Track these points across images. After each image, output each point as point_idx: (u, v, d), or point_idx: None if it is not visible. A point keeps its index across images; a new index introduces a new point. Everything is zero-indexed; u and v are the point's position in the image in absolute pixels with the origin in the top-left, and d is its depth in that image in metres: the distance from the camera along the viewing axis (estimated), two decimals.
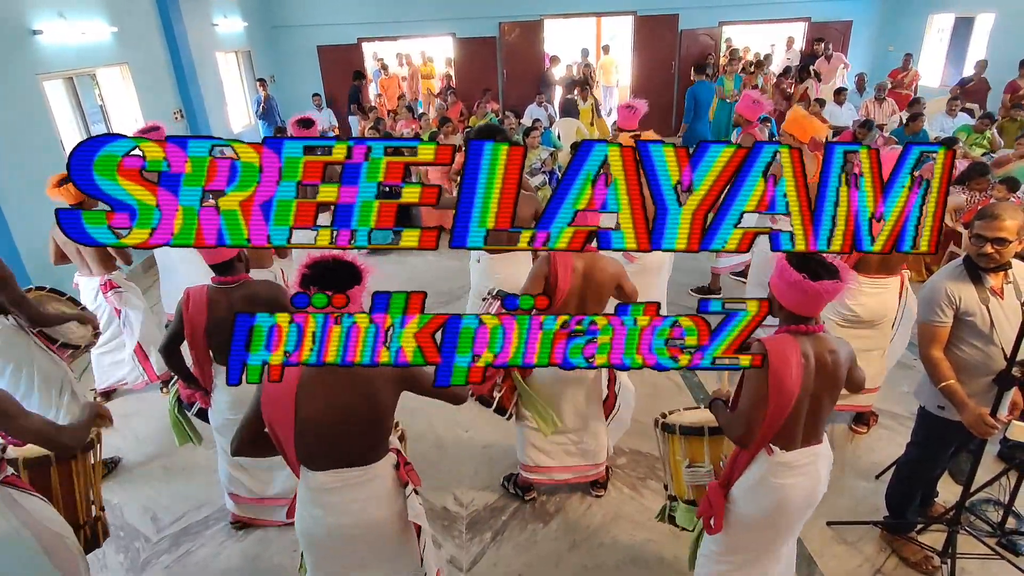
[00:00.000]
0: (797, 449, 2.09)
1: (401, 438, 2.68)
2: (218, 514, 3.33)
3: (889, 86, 8.91)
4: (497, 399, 3.09)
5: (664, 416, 2.64)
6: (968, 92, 8.59)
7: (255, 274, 3.81)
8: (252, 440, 2.02)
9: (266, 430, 1.97)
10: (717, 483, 2.24)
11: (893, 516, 2.95)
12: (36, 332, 3.32)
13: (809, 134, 4.04)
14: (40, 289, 3.62)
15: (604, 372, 3.09)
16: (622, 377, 3.06)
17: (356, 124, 9.93)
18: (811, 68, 10.05)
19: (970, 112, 7.81)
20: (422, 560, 2.21)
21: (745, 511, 2.17)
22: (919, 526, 2.92)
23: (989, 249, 2.35)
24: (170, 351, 2.82)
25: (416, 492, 2.15)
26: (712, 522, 2.24)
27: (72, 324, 3.47)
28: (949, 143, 5.92)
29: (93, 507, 2.55)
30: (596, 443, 3.22)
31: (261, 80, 9.51)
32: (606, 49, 12.68)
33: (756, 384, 1.98)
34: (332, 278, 1.78)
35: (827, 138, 7.81)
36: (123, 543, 3.22)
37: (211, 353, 2.83)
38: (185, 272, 4.62)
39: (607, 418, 3.22)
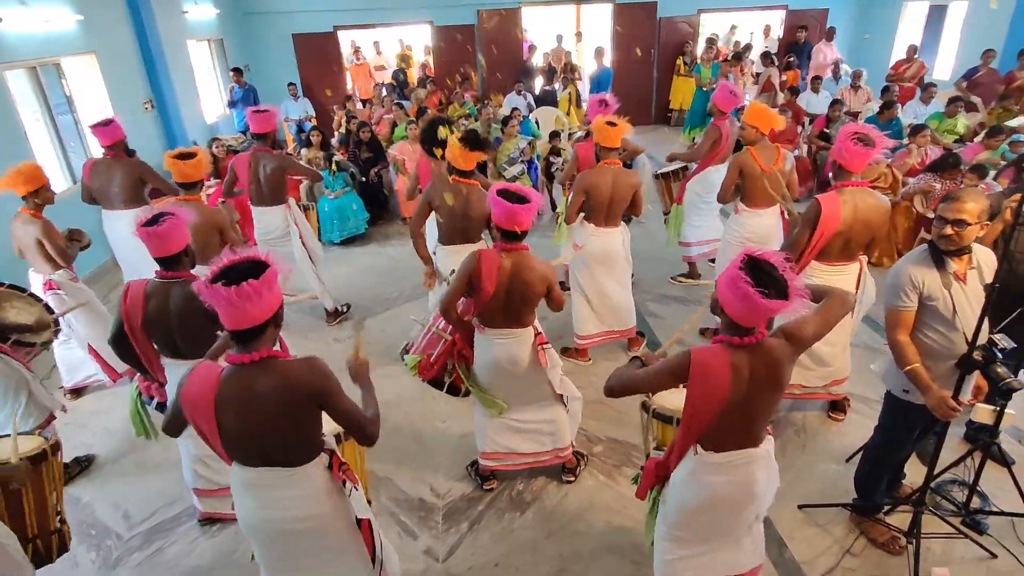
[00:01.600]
0: (727, 451, 2.08)
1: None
2: (190, 510, 3.30)
3: (889, 78, 8.87)
4: (448, 382, 3.20)
5: (649, 396, 2.68)
6: (973, 84, 8.15)
7: (204, 272, 3.75)
8: (179, 427, 2.07)
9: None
10: (656, 461, 2.29)
11: (862, 498, 3.00)
12: None
13: (768, 125, 4.10)
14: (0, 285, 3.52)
15: (545, 372, 3.09)
16: (552, 377, 3.09)
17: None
18: (772, 55, 10.07)
19: (973, 107, 7.56)
20: (374, 557, 2.20)
21: (679, 499, 2.21)
22: (886, 507, 2.98)
23: (949, 231, 2.39)
24: (117, 341, 2.79)
25: (355, 490, 2.12)
26: (639, 488, 2.39)
27: (16, 311, 3.36)
28: (916, 130, 6.03)
29: (50, 520, 2.48)
30: (553, 428, 3.24)
31: (236, 70, 9.32)
32: (578, 36, 12.61)
33: (664, 378, 2.07)
34: (235, 274, 1.77)
35: (803, 124, 7.92)
36: (94, 541, 3.18)
37: (155, 345, 2.80)
38: (141, 271, 4.55)
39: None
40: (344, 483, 2.09)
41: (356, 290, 5.80)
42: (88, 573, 3.01)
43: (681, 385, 2.09)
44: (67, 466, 3.59)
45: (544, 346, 3.08)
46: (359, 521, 2.15)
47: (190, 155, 3.81)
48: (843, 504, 3.05)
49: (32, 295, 3.58)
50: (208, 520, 3.23)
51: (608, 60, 11.88)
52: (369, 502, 2.54)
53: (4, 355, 3.21)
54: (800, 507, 3.14)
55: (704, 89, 9.88)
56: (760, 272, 1.85)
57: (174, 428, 2.10)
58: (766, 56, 10.31)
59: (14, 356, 3.26)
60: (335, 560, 2.17)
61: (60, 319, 3.90)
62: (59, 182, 5.27)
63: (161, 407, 3.01)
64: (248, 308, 1.76)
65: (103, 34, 6.94)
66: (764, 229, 4.21)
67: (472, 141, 3.68)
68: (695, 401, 1.98)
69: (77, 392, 4.34)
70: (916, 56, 9.26)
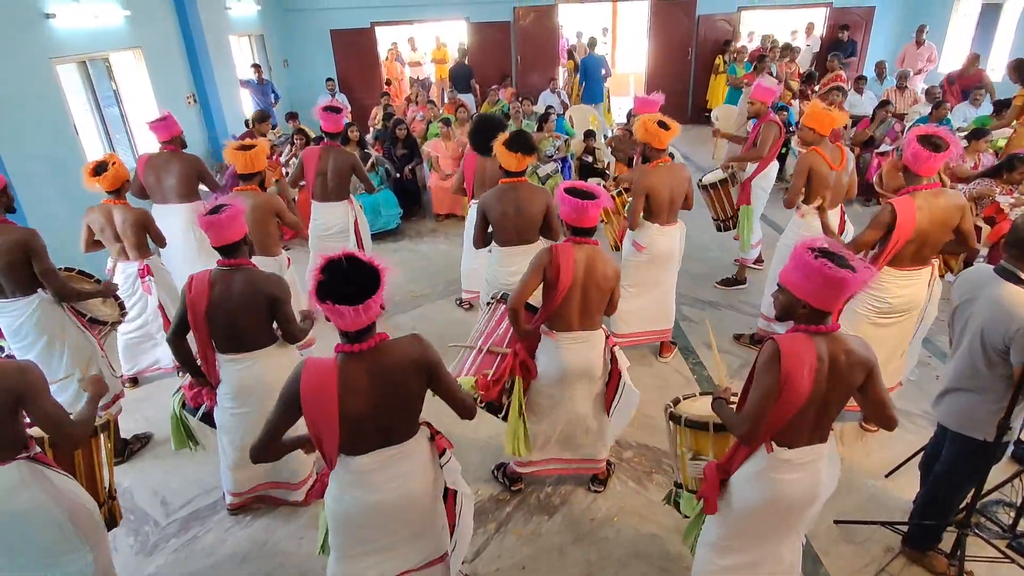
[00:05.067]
0: (800, 447, 2.06)
1: None
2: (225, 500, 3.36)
3: (912, 73, 8.64)
4: (507, 406, 3.05)
5: (675, 402, 2.63)
6: (962, 81, 8.20)
7: (262, 261, 3.86)
8: (277, 443, 2.04)
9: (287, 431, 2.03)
10: (715, 464, 2.23)
11: (927, 533, 2.82)
12: (68, 307, 3.41)
13: (829, 127, 3.95)
14: (69, 270, 3.69)
15: (606, 377, 3.07)
16: (625, 377, 3.01)
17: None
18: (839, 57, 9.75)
19: (972, 99, 7.49)
20: (452, 532, 2.29)
21: (741, 501, 2.16)
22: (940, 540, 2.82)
23: None
24: (176, 340, 2.85)
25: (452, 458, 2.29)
26: (707, 502, 2.26)
27: (97, 300, 3.58)
28: (979, 135, 5.80)
29: (99, 494, 2.57)
30: (594, 441, 3.20)
31: (256, 65, 9.46)
32: (604, 31, 12.54)
33: (767, 382, 1.95)
34: (348, 286, 1.80)
35: (845, 127, 7.70)
36: (133, 526, 3.27)
37: (213, 341, 2.85)
38: (184, 258, 4.69)
39: (608, 410, 3.15)
40: (443, 452, 2.22)
41: (388, 286, 5.82)
42: (126, 557, 3.10)
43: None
44: (128, 442, 3.79)
45: (616, 348, 3.03)
46: (445, 492, 2.27)
47: (250, 146, 3.94)
48: (883, 522, 2.95)
49: (97, 280, 3.78)
50: (239, 510, 3.30)
51: (645, 57, 11.77)
52: None
53: (85, 328, 3.44)
54: (836, 522, 3.06)
55: (735, 87, 9.70)
56: (827, 254, 1.88)
57: (274, 439, 2.01)
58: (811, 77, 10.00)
59: (94, 334, 3.48)
60: (417, 536, 2.24)
61: (148, 305, 4.17)
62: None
63: (206, 418, 3.06)
64: (364, 319, 1.84)
65: (149, 29, 7.12)
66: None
67: (518, 144, 3.64)
68: (785, 392, 1.91)
69: (135, 381, 4.48)
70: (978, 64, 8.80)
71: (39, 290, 3.31)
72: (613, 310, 3.00)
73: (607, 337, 3.02)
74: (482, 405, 3.04)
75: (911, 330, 3.46)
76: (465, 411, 2.20)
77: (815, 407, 1.99)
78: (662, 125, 3.91)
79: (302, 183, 4.98)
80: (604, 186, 4.02)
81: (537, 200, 3.74)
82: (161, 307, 4.17)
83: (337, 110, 4.82)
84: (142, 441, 3.85)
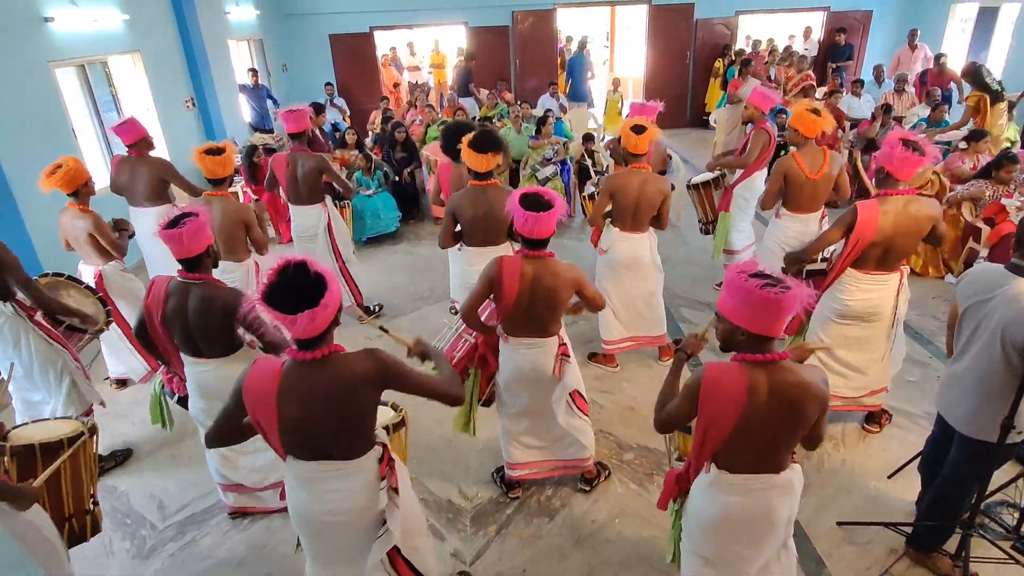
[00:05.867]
0: (743, 474, 1.99)
1: (401, 423, 2.69)
2: (222, 502, 3.33)
3: (908, 77, 8.69)
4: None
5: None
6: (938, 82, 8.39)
7: (227, 267, 3.79)
8: (230, 429, 2.04)
9: (245, 420, 2.00)
10: (677, 473, 2.22)
11: (930, 540, 2.80)
12: (33, 319, 3.29)
13: (813, 130, 3.94)
14: (57, 275, 3.63)
15: (564, 385, 3.03)
16: (566, 380, 3.02)
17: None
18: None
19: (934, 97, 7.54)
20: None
21: (697, 513, 2.14)
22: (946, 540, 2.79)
23: None
24: (140, 334, 2.85)
25: (395, 490, 2.11)
26: (660, 499, 2.32)
27: (82, 308, 3.46)
28: (977, 136, 5.82)
29: (84, 500, 2.53)
30: (573, 438, 3.17)
31: (252, 70, 9.48)
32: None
33: (684, 402, 2.01)
34: (290, 293, 1.75)
35: (844, 129, 7.71)
36: (129, 530, 3.24)
37: (175, 343, 2.83)
38: (164, 266, 4.65)
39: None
40: (383, 478, 2.09)
41: (387, 289, 5.83)
42: (123, 562, 3.07)
43: None
44: (103, 458, 3.64)
45: (565, 358, 3.00)
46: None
47: (218, 151, 3.85)
48: (886, 523, 2.93)
49: (88, 287, 3.70)
50: (239, 514, 3.27)
51: (643, 62, 11.82)
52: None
53: (54, 340, 3.30)
54: (839, 524, 3.04)
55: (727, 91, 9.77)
56: (760, 277, 1.80)
57: (226, 428, 2.03)
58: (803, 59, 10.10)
59: (64, 343, 3.35)
60: (368, 545, 2.16)
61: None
62: (104, 177, 5.42)
63: (181, 402, 3.06)
64: (308, 329, 1.79)
65: (148, 34, 7.12)
66: (806, 234, 4.09)
67: (481, 143, 3.60)
68: (705, 418, 1.91)
69: (122, 383, 4.44)
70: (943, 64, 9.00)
71: (0, 304, 3.15)
72: (596, 307, 2.98)
73: (560, 346, 3.01)
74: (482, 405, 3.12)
75: (885, 336, 3.43)
76: (447, 399, 2.12)
77: (756, 436, 1.91)
78: (637, 129, 3.85)
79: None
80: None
81: (505, 204, 3.70)
82: (118, 315, 4.00)
83: (297, 110, 4.72)
84: (117, 459, 3.72)
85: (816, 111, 3.97)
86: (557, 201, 2.71)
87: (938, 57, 8.97)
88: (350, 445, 2.01)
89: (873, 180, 3.17)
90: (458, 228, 3.86)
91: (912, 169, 2.97)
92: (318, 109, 6.87)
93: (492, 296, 2.88)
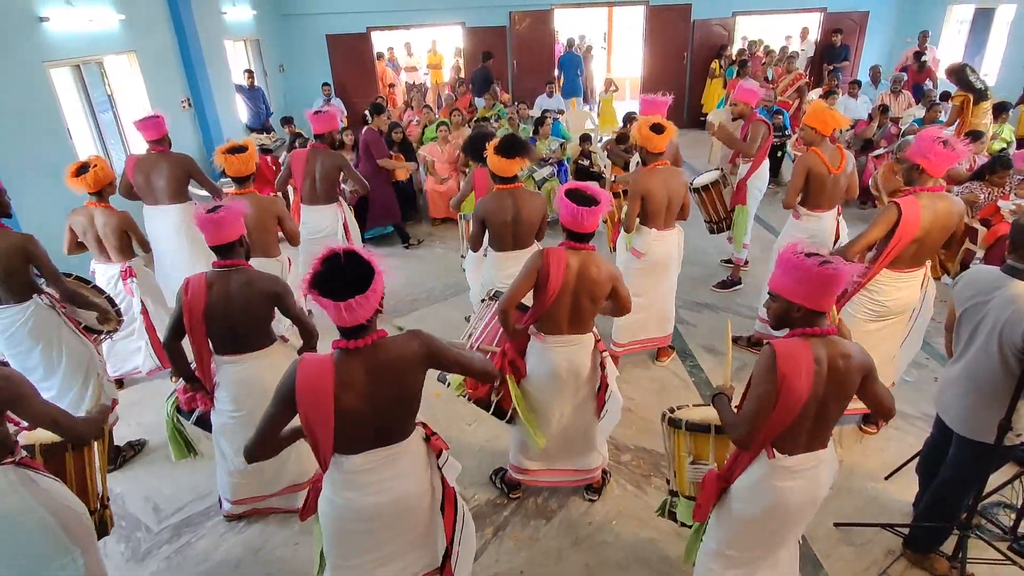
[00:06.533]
0: (800, 454, 2.03)
1: None
2: (220, 506, 3.32)
3: (906, 79, 8.72)
4: (495, 401, 3.06)
5: (672, 411, 2.59)
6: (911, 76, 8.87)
7: (263, 263, 3.83)
8: (274, 440, 2.01)
9: (286, 427, 2.00)
10: (716, 473, 2.21)
11: (929, 541, 2.81)
12: (65, 313, 3.36)
13: (831, 127, 3.94)
14: (66, 276, 3.61)
15: (597, 383, 3.03)
16: (612, 386, 3.00)
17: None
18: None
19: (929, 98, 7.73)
20: (452, 536, 2.21)
21: (743, 509, 2.14)
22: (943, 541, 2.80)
23: None
24: (172, 345, 2.80)
25: (449, 458, 2.23)
26: (700, 509, 2.26)
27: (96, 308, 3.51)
28: (974, 137, 5.84)
29: (91, 501, 2.52)
30: (589, 449, 3.17)
31: (248, 71, 9.46)
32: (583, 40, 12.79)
33: (764, 387, 1.93)
34: (338, 281, 1.78)
35: (840, 130, 7.72)
36: (124, 533, 3.23)
37: (211, 344, 2.81)
38: (173, 266, 4.65)
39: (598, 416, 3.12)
40: (440, 453, 2.18)
41: (386, 290, 5.80)
42: (118, 564, 3.05)
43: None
44: (120, 448, 3.72)
45: (604, 354, 2.99)
46: (444, 493, 2.22)
47: (241, 149, 3.88)
48: (883, 524, 2.93)
49: (96, 287, 3.71)
50: (234, 517, 3.25)
51: (640, 62, 11.83)
52: None
53: (80, 333, 3.38)
54: (836, 525, 3.04)
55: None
56: (809, 254, 1.90)
57: (270, 435, 1.98)
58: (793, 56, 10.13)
59: (91, 340, 3.44)
60: (414, 545, 2.21)
61: (132, 307, 4.10)
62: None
63: (201, 422, 3.01)
64: (358, 316, 1.81)
65: (144, 34, 7.09)
66: (823, 233, 4.10)
67: (507, 148, 3.60)
68: (783, 396, 1.90)
69: (119, 383, 4.42)
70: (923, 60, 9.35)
71: (34, 296, 3.26)
72: (623, 311, 2.94)
73: (597, 342, 2.99)
74: (471, 402, 3.08)
75: (902, 332, 3.44)
76: (485, 376, 2.24)
77: (813, 412, 1.96)
78: (656, 128, 3.87)
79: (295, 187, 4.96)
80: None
81: (535, 206, 3.70)
82: (144, 310, 4.10)
83: (326, 112, 4.79)
84: (135, 448, 3.79)
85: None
86: (603, 197, 2.73)
87: (918, 55, 9.30)
88: (401, 427, 2.06)
89: (869, 181, 3.16)
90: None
91: (947, 165, 2.99)
92: (378, 109, 6.67)
93: (533, 291, 2.83)
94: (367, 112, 6.69)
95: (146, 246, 4.08)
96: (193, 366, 2.88)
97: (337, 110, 4.89)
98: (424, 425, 2.19)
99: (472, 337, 3.17)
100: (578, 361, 2.93)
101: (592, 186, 2.78)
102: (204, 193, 5.03)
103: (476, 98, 9.63)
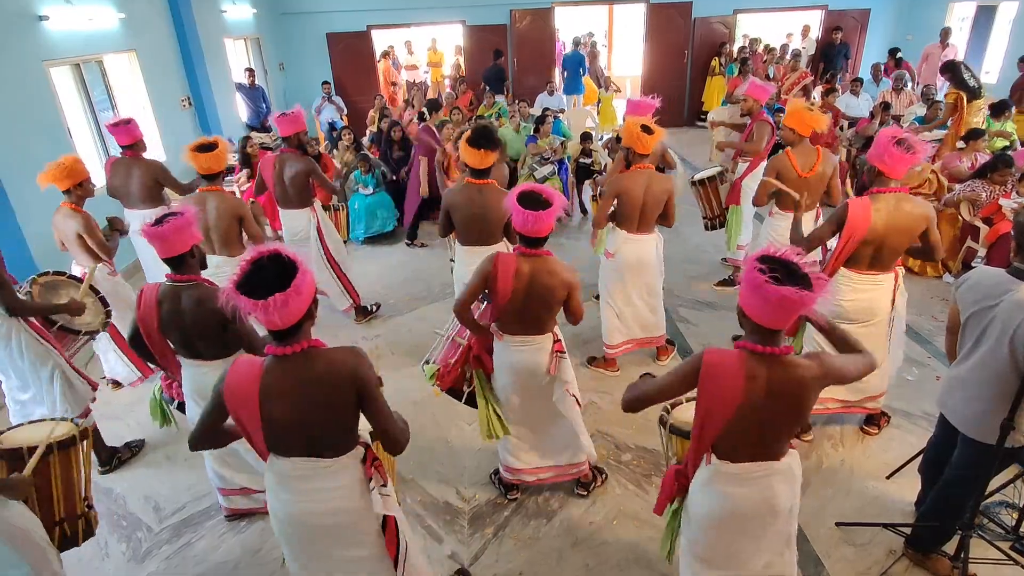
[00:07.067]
0: (743, 463, 1.98)
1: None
2: (218, 505, 3.31)
3: (907, 77, 8.70)
4: (467, 392, 3.11)
5: (667, 411, 2.59)
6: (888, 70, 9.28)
7: (222, 261, 3.79)
8: (212, 432, 2.03)
9: (227, 421, 1.99)
10: (676, 468, 2.19)
11: (935, 535, 2.79)
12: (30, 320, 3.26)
13: (807, 128, 3.92)
14: (59, 274, 3.59)
15: (561, 380, 3.00)
16: (558, 391, 3.00)
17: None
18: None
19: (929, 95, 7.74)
20: (396, 559, 2.14)
21: (698, 510, 2.12)
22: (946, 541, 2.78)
23: None
24: (134, 341, 2.81)
25: (383, 487, 2.09)
26: (657, 502, 2.28)
27: (82, 306, 3.41)
28: (975, 135, 5.82)
29: (76, 504, 2.50)
30: (568, 444, 3.16)
31: (249, 70, 9.45)
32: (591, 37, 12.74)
33: (678, 374, 1.97)
34: (261, 280, 1.73)
35: (841, 128, 7.71)
36: (125, 532, 3.22)
37: (173, 347, 2.81)
38: (162, 269, 4.62)
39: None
40: (370, 479, 2.07)
41: (384, 288, 5.81)
42: (118, 564, 3.05)
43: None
44: (116, 450, 3.70)
45: (560, 354, 2.97)
46: (384, 520, 2.13)
47: (210, 146, 3.83)
48: (885, 524, 2.92)
49: (91, 286, 3.64)
50: (235, 516, 3.25)
51: (641, 60, 11.81)
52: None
53: (42, 337, 3.26)
54: (838, 524, 3.03)
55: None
56: (777, 266, 1.76)
57: (208, 429, 2.02)
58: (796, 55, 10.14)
59: (53, 342, 3.32)
60: (361, 560, 2.15)
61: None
62: (100, 177, 5.39)
63: (181, 407, 3.02)
64: (280, 316, 1.75)
65: (144, 32, 7.08)
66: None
67: (478, 139, 3.56)
68: (704, 403, 1.90)
69: (117, 384, 4.40)
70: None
71: None
72: (574, 319, 2.91)
73: (556, 342, 2.98)
74: (443, 391, 3.11)
75: (883, 339, 3.38)
76: (388, 443, 2.01)
77: (753, 424, 1.90)
78: (645, 130, 3.82)
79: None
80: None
81: (501, 204, 3.66)
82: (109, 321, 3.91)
83: (291, 114, 4.72)
84: (133, 449, 3.77)
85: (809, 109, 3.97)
86: (556, 199, 2.67)
87: (893, 51, 9.59)
88: (334, 442, 1.99)
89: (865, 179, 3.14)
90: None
91: (904, 167, 2.95)
92: (436, 106, 6.62)
93: (487, 293, 2.85)
94: (424, 109, 6.88)
95: (107, 251, 3.85)
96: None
97: (302, 111, 4.82)
98: (367, 447, 2.10)
99: (447, 329, 3.20)
100: (535, 361, 2.94)
101: (546, 188, 2.74)
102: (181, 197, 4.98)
103: (497, 96, 9.53)
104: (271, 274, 1.74)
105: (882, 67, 9.61)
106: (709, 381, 1.87)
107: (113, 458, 3.67)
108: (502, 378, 3.03)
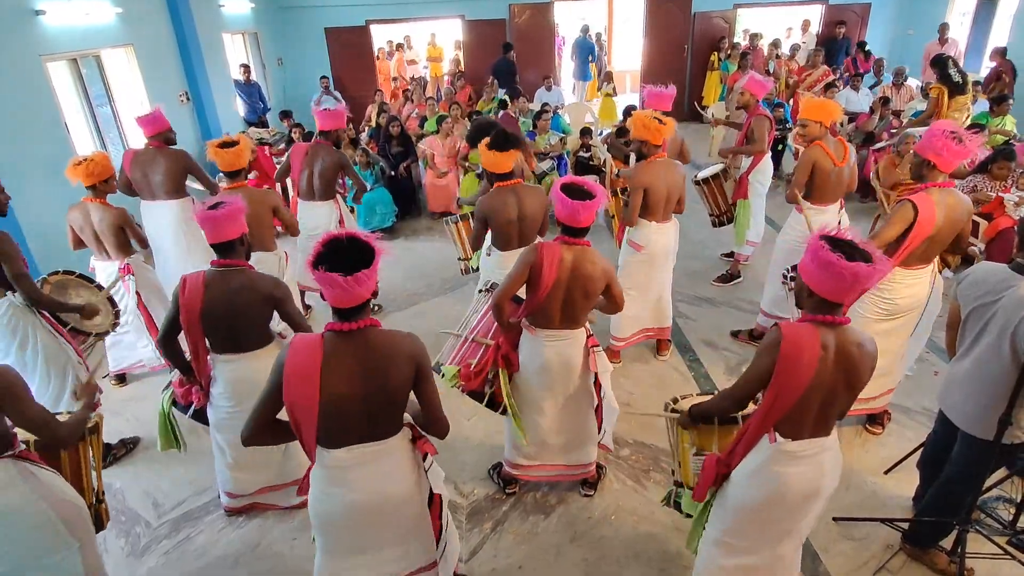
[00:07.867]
0: (803, 439, 2.03)
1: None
2: (218, 500, 3.32)
3: (908, 71, 8.66)
4: (489, 394, 3.05)
5: (675, 401, 2.58)
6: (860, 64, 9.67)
7: (260, 257, 3.80)
8: (266, 424, 2.01)
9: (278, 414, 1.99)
10: (717, 458, 2.21)
11: (934, 531, 2.79)
12: (45, 314, 3.31)
13: (829, 117, 3.90)
14: (68, 274, 3.60)
15: (591, 377, 3.01)
16: (605, 384, 2.99)
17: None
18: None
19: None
20: (439, 540, 2.22)
21: (743, 496, 2.13)
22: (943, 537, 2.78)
23: None
24: (167, 341, 2.78)
25: (435, 463, 2.20)
26: (697, 489, 2.28)
27: (87, 308, 3.44)
28: (978, 129, 5.80)
29: (86, 497, 2.51)
30: (583, 443, 3.16)
31: (244, 66, 9.41)
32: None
33: (763, 360, 1.98)
34: (342, 258, 1.81)
35: (842, 123, 7.69)
36: (124, 527, 3.23)
37: (207, 341, 2.79)
38: (175, 256, 4.63)
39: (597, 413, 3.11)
40: (425, 456, 2.16)
41: (384, 285, 5.79)
42: (117, 559, 3.06)
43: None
44: (111, 447, 3.70)
45: (595, 349, 2.97)
46: (431, 498, 2.21)
47: (232, 143, 3.87)
48: (883, 519, 2.93)
49: (99, 286, 3.67)
50: (235, 512, 3.25)
51: (640, 55, 11.77)
52: None
53: (59, 334, 3.32)
54: (835, 519, 3.04)
55: (726, 85, 9.82)
56: (843, 244, 1.88)
57: (264, 417, 1.99)
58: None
59: (68, 339, 3.37)
60: (403, 541, 2.21)
61: (130, 304, 4.06)
62: None
63: (198, 415, 2.99)
64: (357, 292, 1.82)
65: (141, 27, 7.05)
66: (825, 228, 4.05)
67: (500, 142, 3.54)
68: (781, 378, 1.93)
69: (121, 378, 4.41)
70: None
71: (8, 293, 3.17)
72: (616, 308, 2.93)
73: (589, 337, 2.98)
74: (465, 393, 3.05)
75: (911, 329, 3.40)
76: (438, 426, 2.10)
77: (819, 398, 1.96)
78: (660, 121, 3.84)
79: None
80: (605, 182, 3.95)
81: (538, 200, 3.65)
82: (143, 306, 4.06)
83: (335, 110, 4.76)
84: (128, 446, 3.75)
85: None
86: (598, 192, 2.71)
87: (862, 44, 9.94)
88: (389, 422, 2.04)
89: (871, 175, 3.12)
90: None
91: (958, 161, 2.94)
92: (515, 93, 6.81)
93: (526, 285, 2.81)
94: (506, 98, 7.18)
95: (144, 242, 4.05)
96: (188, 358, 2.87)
97: (346, 109, 4.82)
98: (412, 427, 2.17)
99: (467, 329, 3.14)
100: (569, 355, 2.91)
101: (588, 180, 2.76)
102: (201, 188, 5.01)
103: (501, 90, 9.45)
104: (348, 251, 1.83)
105: (855, 61, 9.77)
106: (792, 356, 1.91)
107: (108, 455, 3.66)
108: (530, 375, 2.98)
